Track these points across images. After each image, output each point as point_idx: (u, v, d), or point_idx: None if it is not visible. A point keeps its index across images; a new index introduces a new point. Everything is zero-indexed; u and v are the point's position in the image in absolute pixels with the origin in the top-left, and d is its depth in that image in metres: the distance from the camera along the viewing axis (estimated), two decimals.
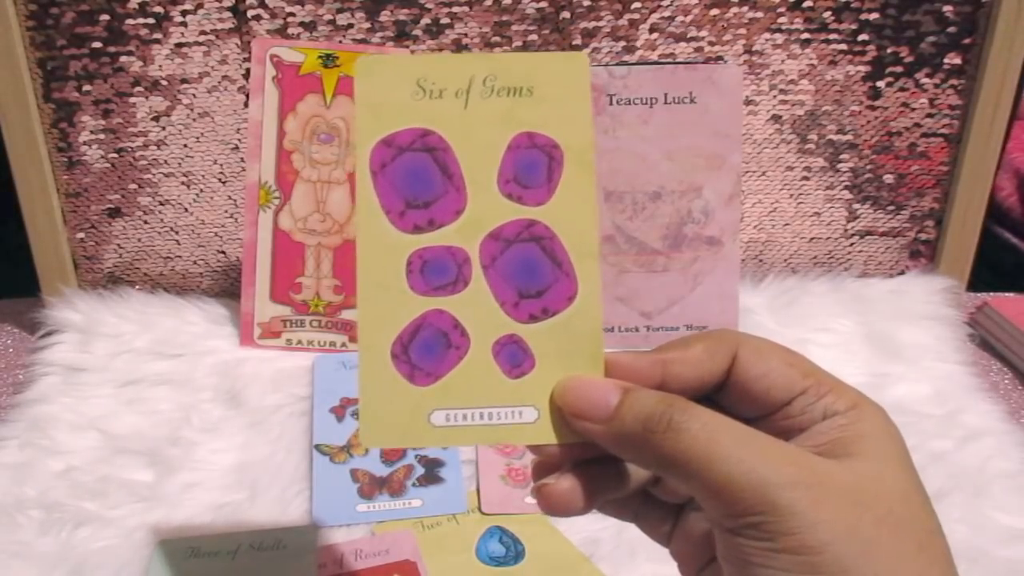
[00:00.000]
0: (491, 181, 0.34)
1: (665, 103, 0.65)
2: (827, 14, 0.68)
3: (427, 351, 0.33)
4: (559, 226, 0.34)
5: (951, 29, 0.68)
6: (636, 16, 0.68)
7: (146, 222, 0.72)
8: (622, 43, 0.68)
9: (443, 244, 0.34)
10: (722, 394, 0.32)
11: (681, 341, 0.32)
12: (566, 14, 0.67)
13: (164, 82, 0.68)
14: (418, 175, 0.33)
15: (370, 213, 0.33)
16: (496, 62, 0.34)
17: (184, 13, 0.66)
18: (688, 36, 0.68)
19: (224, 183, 0.72)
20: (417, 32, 0.67)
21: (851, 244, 0.75)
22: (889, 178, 0.73)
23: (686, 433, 0.28)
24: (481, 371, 0.33)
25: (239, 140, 0.70)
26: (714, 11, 0.68)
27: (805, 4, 0.68)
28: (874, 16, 0.68)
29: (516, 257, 0.34)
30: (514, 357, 0.33)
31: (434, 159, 0.34)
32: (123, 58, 0.67)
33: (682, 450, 0.28)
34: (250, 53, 0.66)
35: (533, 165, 0.34)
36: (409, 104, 0.33)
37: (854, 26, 0.68)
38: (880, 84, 0.70)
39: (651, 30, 0.68)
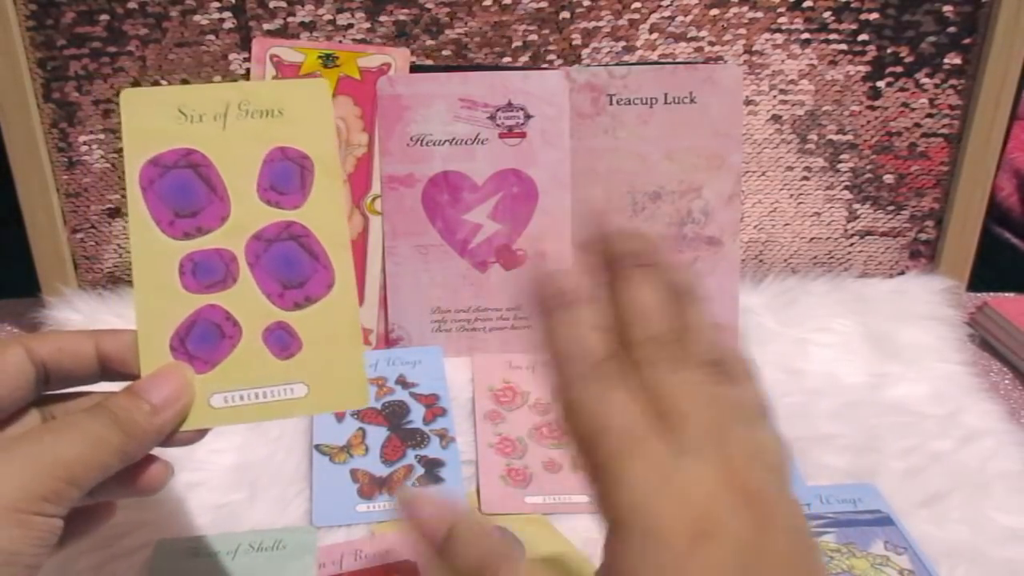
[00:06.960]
0: (251, 190, 0.38)
1: (665, 103, 0.65)
2: (827, 14, 0.68)
3: (203, 342, 0.37)
4: (314, 224, 0.38)
5: (951, 29, 0.68)
6: (636, 16, 0.68)
7: None
8: (622, 43, 0.68)
9: (211, 247, 0.38)
10: None
11: None
12: (566, 14, 0.67)
13: (164, 82, 0.68)
14: (184, 189, 0.38)
15: (142, 225, 0.37)
16: (248, 90, 0.39)
17: (184, 13, 0.66)
18: (688, 36, 0.68)
19: None
20: (417, 32, 0.67)
21: (851, 244, 0.75)
22: (889, 178, 0.73)
23: None
24: (253, 356, 0.37)
25: None
26: (714, 11, 0.68)
27: (805, 4, 0.68)
28: (874, 16, 0.68)
29: (278, 254, 0.38)
30: (282, 341, 0.38)
31: (198, 174, 0.38)
32: (123, 58, 0.67)
33: None
34: (250, 53, 0.66)
35: (287, 174, 0.38)
36: (172, 128, 0.37)
37: (854, 26, 0.68)
38: (880, 84, 0.70)
39: (651, 30, 0.68)
